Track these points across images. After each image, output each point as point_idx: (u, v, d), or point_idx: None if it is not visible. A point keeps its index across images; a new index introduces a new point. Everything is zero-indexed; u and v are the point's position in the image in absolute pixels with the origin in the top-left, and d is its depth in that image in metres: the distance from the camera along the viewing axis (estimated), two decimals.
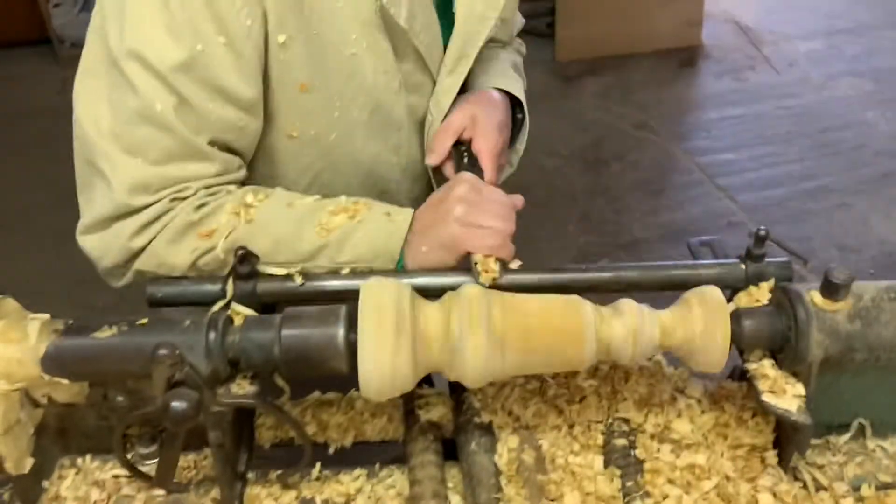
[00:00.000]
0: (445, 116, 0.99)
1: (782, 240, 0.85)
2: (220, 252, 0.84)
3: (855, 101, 3.31)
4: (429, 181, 1.06)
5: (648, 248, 2.53)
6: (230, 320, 0.75)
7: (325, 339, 0.72)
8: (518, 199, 0.91)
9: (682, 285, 0.81)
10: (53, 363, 0.72)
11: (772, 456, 0.80)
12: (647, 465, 0.79)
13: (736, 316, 0.75)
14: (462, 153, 0.98)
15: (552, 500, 0.77)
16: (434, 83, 1.00)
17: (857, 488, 0.78)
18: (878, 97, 3.34)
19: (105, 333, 0.73)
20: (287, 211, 0.86)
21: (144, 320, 0.74)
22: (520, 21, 1.20)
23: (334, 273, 0.85)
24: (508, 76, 1.08)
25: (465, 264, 0.85)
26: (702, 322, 0.74)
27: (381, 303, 0.71)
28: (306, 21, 0.85)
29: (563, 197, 2.69)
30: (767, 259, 0.85)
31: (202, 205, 0.85)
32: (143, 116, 0.81)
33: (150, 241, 0.84)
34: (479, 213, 0.84)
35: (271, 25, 0.84)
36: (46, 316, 0.75)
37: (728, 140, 3.10)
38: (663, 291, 0.85)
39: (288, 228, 0.85)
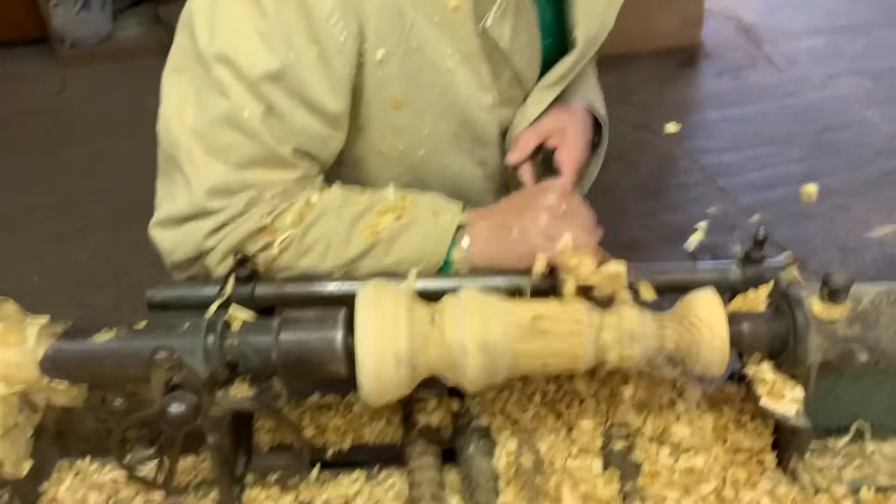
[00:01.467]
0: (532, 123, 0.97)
1: (782, 241, 0.85)
2: (276, 250, 0.85)
3: (855, 100, 3.31)
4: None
5: (648, 248, 2.53)
6: (228, 324, 0.75)
7: (324, 342, 0.72)
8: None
9: (682, 287, 0.81)
10: (52, 366, 0.72)
11: (771, 459, 0.80)
12: (645, 469, 0.79)
13: (735, 319, 0.75)
14: (544, 159, 0.97)
15: (551, 503, 0.77)
16: (525, 96, 0.98)
17: (855, 491, 0.78)
18: (879, 96, 3.33)
19: (104, 337, 0.73)
20: (338, 213, 0.86)
21: (143, 323, 0.74)
22: None
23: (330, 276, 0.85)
24: (599, 96, 1.06)
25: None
26: (701, 325, 0.73)
27: (379, 306, 0.71)
28: (406, 36, 0.83)
29: None
30: (767, 261, 0.85)
31: (272, 210, 0.85)
32: (229, 121, 0.81)
33: (218, 243, 0.85)
34: (564, 226, 0.82)
35: (370, 41, 0.82)
36: (45, 318, 0.75)
37: (728, 140, 3.10)
38: (662, 293, 0.85)
39: (339, 232, 0.85)
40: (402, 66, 0.85)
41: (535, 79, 0.97)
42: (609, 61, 3.47)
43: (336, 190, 0.89)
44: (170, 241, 0.87)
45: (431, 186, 0.95)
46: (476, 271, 0.86)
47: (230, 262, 0.85)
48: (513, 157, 0.97)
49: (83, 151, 2.99)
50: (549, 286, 0.82)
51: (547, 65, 0.97)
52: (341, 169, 0.94)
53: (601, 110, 1.05)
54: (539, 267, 0.80)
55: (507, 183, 1.03)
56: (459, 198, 0.94)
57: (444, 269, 0.87)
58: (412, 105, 0.88)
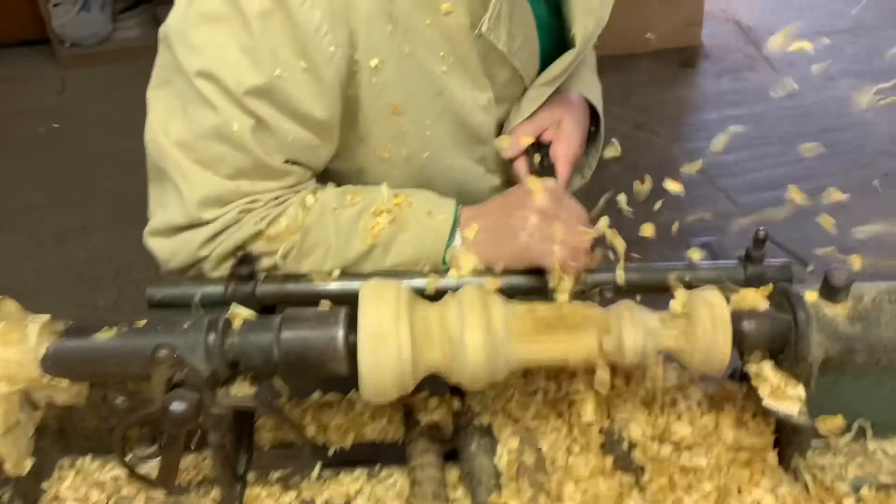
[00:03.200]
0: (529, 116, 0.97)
1: (781, 241, 0.85)
2: (279, 258, 0.85)
3: (855, 101, 3.31)
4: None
5: (648, 248, 2.53)
6: (229, 322, 0.75)
7: (325, 340, 0.72)
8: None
9: (682, 287, 0.81)
10: (53, 364, 0.72)
11: (772, 457, 0.80)
12: (647, 467, 0.79)
13: (736, 318, 0.75)
14: (538, 154, 0.97)
15: (552, 502, 0.77)
16: (524, 90, 0.97)
17: (857, 489, 0.78)
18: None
19: (105, 335, 0.73)
20: (335, 216, 0.86)
21: (144, 322, 0.74)
22: None
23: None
24: (595, 85, 1.06)
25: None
26: (702, 324, 0.73)
27: (380, 304, 0.71)
28: (399, 42, 0.82)
29: None
30: (767, 260, 0.85)
31: (266, 216, 0.85)
32: (218, 134, 0.80)
33: (213, 251, 0.85)
34: (554, 225, 0.83)
35: (362, 50, 0.81)
36: (46, 317, 0.75)
37: (728, 140, 3.10)
38: (663, 293, 0.85)
39: (337, 236, 0.85)
40: (397, 72, 0.84)
41: (535, 74, 0.97)
42: (609, 62, 3.46)
43: (330, 191, 0.89)
44: (165, 249, 0.87)
45: (438, 188, 0.94)
46: (476, 271, 0.86)
47: (224, 267, 0.85)
48: (508, 153, 0.97)
49: (83, 151, 2.99)
50: (542, 285, 0.82)
51: (543, 59, 0.97)
52: (347, 179, 0.94)
53: (597, 101, 1.04)
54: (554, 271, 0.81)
55: (508, 179, 1.03)
56: (465, 197, 0.93)
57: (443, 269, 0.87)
58: (411, 110, 0.87)
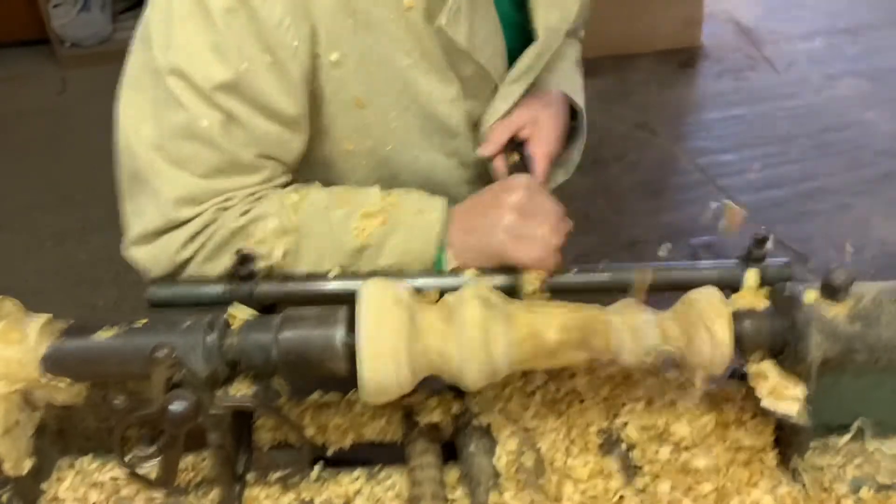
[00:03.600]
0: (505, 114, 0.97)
1: (783, 240, 0.85)
2: (277, 258, 0.85)
3: (855, 101, 3.31)
4: (489, 182, 1.03)
5: (648, 248, 2.53)
6: (229, 322, 0.75)
7: (324, 340, 0.72)
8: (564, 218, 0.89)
9: (683, 286, 0.81)
10: (53, 364, 0.72)
11: (772, 457, 0.80)
12: (646, 468, 0.79)
13: (736, 317, 0.75)
14: (516, 152, 0.97)
15: (551, 502, 0.77)
16: (495, 86, 0.98)
17: (856, 490, 0.78)
18: (879, 97, 3.34)
19: (105, 335, 0.73)
20: (325, 217, 0.86)
21: (144, 321, 0.74)
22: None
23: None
24: (574, 79, 1.06)
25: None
26: (702, 324, 0.73)
27: (379, 304, 0.71)
28: (361, 36, 0.84)
29: (563, 197, 2.67)
30: (767, 259, 0.85)
31: (246, 211, 0.85)
32: (188, 132, 0.81)
33: (196, 252, 0.85)
34: (529, 223, 0.83)
35: (323, 44, 0.83)
36: (46, 316, 0.75)
37: (728, 140, 3.10)
38: (663, 292, 0.85)
39: (329, 239, 0.85)
40: (359, 66, 0.85)
41: (504, 71, 0.97)
42: (609, 62, 3.49)
43: (317, 191, 0.88)
44: (146, 257, 0.87)
45: (403, 180, 0.95)
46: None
47: (211, 268, 0.85)
48: (485, 150, 0.97)
49: (83, 152, 2.99)
50: (514, 283, 0.83)
51: (513, 57, 0.97)
52: (313, 170, 0.94)
53: (577, 95, 1.04)
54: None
55: (482, 173, 1.03)
56: (433, 190, 0.94)
57: (435, 267, 0.87)
58: (374, 103, 0.88)
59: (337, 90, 0.87)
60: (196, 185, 0.83)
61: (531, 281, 0.82)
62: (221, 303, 0.83)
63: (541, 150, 0.97)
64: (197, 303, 0.85)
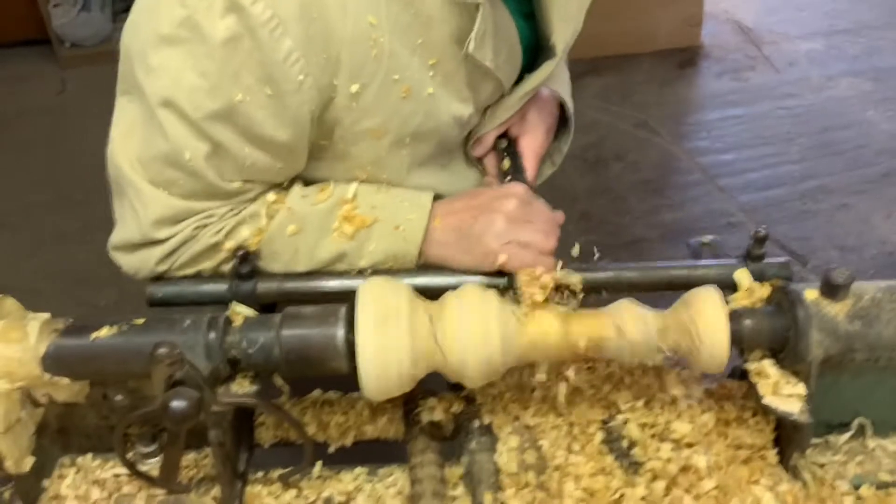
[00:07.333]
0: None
1: (783, 240, 0.85)
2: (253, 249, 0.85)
3: (855, 101, 3.31)
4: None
5: (649, 247, 2.53)
6: (230, 320, 0.75)
7: (325, 339, 0.72)
8: (559, 216, 0.89)
9: (683, 285, 0.81)
10: (54, 363, 0.72)
11: (772, 455, 0.80)
12: (646, 465, 0.79)
13: (736, 316, 0.76)
14: (506, 148, 0.97)
15: (552, 500, 0.77)
16: (500, 96, 0.96)
17: (857, 487, 0.78)
18: (879, 97, 3.33)
19: (105, 333, 0.73)
20: (305, 218, 0.85)
21: (144, 320, 0.74)
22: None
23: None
24: (562, 78, 1.06)
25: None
26: (702, 322, 0.74)
27: (380, 302, 0.71)
28: (385, 66, 0.80)
29: (563, 197, 2.68)
30: (767, 259, 0.85)
31: (223, 227, 0.85)
32: (170, 161, 0.80)
33: (172, 265, 0.86)
34: (521, 229, 0.83)
35: (343, 75, 0.78)
36: (47, 315, 0.75)
37: (728, 140, 3.10)
38: (663, 292, 0.85)
39: (307, 240, 0.85)
40: (379, 96, 0.81)
41: (512, 84, 0.96)
42: (609, 61, 3.49)
43: (295, 191, 0.87)
44: (128, 264, 0.88)
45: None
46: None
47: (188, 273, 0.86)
48: (476, 151, 0.97)
49: (83, 151, 2.98)
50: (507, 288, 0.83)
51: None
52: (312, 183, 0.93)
53: (564, 90, 1.04)
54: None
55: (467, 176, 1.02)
56: None
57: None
58: (392, 133, 0.86)
59: (355, 122, 0.83)
60: (175, 206, 0.82)
61: (527, 283, 0.82)
62: (221, 302, 0.83)
63: (530, 146, 0.97)
64: (197, 302, 0.85)
